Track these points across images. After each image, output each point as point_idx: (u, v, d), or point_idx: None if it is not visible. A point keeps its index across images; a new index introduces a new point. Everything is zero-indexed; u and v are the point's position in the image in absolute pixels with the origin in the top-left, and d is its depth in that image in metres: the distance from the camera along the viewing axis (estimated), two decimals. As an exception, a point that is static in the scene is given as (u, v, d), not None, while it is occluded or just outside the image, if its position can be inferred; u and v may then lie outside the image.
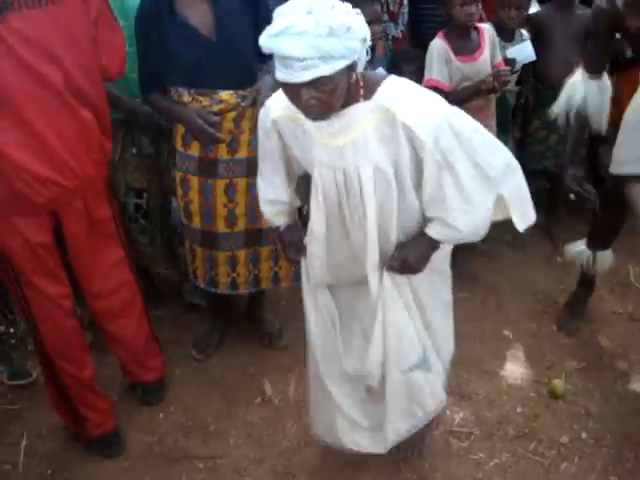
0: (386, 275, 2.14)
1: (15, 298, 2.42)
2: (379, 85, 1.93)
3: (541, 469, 2.61)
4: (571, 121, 2.83)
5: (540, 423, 2.80)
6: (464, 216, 2.02)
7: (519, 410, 2.86)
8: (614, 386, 2.98)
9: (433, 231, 2.08)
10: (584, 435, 2.74)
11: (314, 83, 1.76)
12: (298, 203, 2.37)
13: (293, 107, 1.94)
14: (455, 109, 1.98)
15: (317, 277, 2.26)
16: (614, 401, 2.90)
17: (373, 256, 2.10)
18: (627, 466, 2.60)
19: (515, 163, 2.07)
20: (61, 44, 2.15)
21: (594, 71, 2.77)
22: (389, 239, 2.10)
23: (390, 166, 1.98)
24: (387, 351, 2.22)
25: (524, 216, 2.12)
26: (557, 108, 2.88)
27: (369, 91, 1.91)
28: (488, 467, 2.62)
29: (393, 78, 1.97)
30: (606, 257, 3.18)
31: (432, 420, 2.57)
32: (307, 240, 2.22)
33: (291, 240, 2.33)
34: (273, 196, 2.28)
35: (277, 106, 2.07)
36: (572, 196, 3.36)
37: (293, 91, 1.81)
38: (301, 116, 1.96)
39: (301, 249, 2.28)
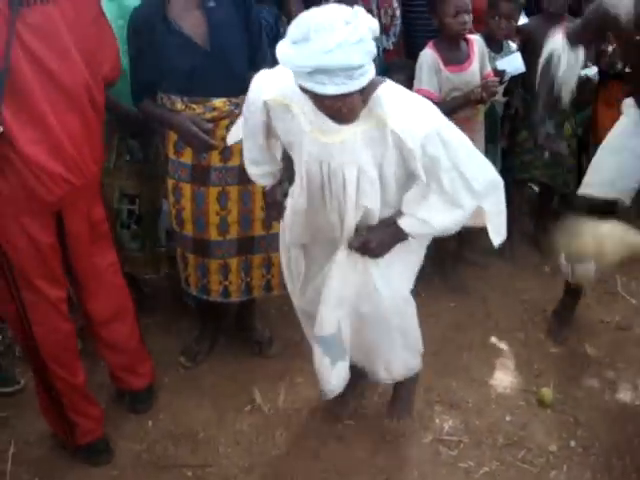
0: (342, 249, 2.23)
1: (7, 302, 2.39)
2: (375, 89, 1.97)
3: (530, 477, 2.62)
4: (545, 79, 2.95)
5: (529, 431, 2.81)
6: (441, 216, 2.10)
7: (508, 418, 2.88)
8: (602, 395, 3.00)
9: (406, 223, 2.15)
10: (573, 443, 2.75)
11: (364, 87, 1.83)
12: (278, 167, 2.46)
13: (285, 92, 2.03)
14: (446, 120, 2.03)
15: (294, 238, 2.38)
16: (602, 410, 2.92)
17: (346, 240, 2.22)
18: (615, 474, 2.62)
19: (499, 180, 2.14)
20: (70, 40, 2.16)
21: (574, 44, 2.84)
22: (368, 224, 2.20)
23: (374, 168, 2.05)
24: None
25: (499, 231, 2.23)
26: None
27: (366, 93, 1.95)
28: (477, 475, 2.62)
29: (389, 84, 2.01)
30: (585, 269, 3.16)
31: (414, 382, 2.77)
32: (288, 204, 2.34)
33: (273, 202, 2.48)
34: (253, 156, 2.38)
35: (269, 89, 2.13)
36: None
37: (337, 101, 1.85)
38: (290, 102, 2.04)
39: (281, 212, 2.40)
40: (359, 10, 1.79)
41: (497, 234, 2.23)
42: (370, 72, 1.83)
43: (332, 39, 1.72)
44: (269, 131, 2.29)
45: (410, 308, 2.49)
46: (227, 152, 2.71)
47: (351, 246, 2.21)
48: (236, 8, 2.62)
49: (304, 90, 1.88)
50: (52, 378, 2.49)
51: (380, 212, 2.16)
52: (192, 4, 2.56)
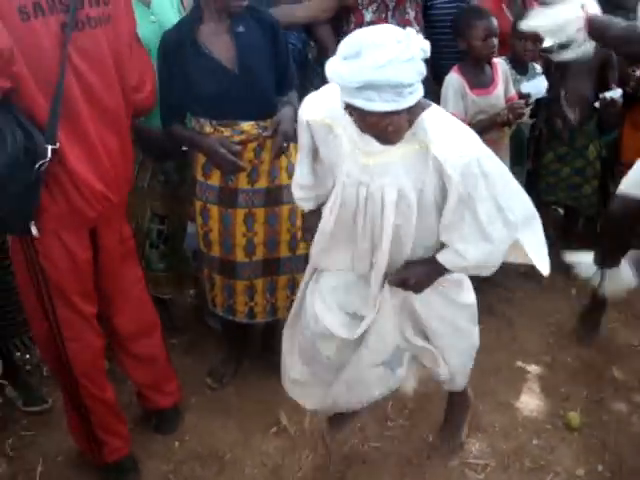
0: (385, 293, 2.24)
1: (39, 321, 2.41)
2: (422, 112, 1.96)
3: (558, 502, 2.60)
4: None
5: (556, 455, 2.78)
6: (475, 249, 2.05)
7: (535, 442, 2.85)
8: (630, 419, 2.97)
9: (442, 256, 2.12)
10: (600, 468, 2.72)
11: (412, 107, 1.85)
12: (325, 192, 2.43)
13: (328, 112, 2.04)
14: (488, 150, 2.01)
15: (315, 258, 2.38)
16: (630, 434, 2.88)
17: (381, 269, 2.19)
18: (644, 499, 2.59)
19: (534, 213, 2.11)
20: (110, 61, 2.24)
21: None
22: (402, 253, 2.17)
23: (414, 192, 2.03)
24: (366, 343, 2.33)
25: (544, 262, 2.18)
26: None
27: (412, 114, 1.94)
28: (504, 499, 2.61)
29: (435, 108, 2.01)
30: (617, 275, 3.09)
31: (466, 410, 2.78)
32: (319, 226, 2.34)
33: (308, 225, 2.48)
34: (302, 181, 2.38)
35: (312, 109, 2.16)
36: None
37: (385, 118, 1.85)
38: (332, 122, 2.06)
39: (314, 236, 2.39)
40: (411, 31, 1.81)
41: (542, 264, 2.17)
42: (419, 92, 1.84)
43: (383, 55, 1.74)
44: (316, 154, 2.30)
45: (460, 334, 2.50)
46: (254, 174, 2.74)
47: (391, 282, 2.20)
48: (264, 32, 2.66)
49: (350, 108, 1.88)
50: (82, 395, 2.51)
51: (414, 240, 2.12)
52: (221, 29, 2.60)
